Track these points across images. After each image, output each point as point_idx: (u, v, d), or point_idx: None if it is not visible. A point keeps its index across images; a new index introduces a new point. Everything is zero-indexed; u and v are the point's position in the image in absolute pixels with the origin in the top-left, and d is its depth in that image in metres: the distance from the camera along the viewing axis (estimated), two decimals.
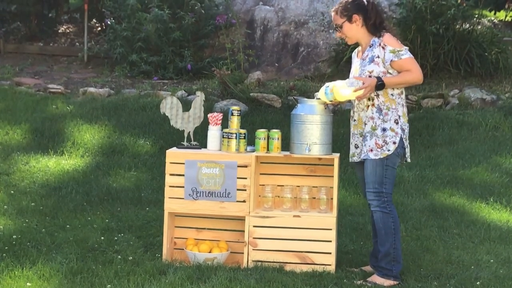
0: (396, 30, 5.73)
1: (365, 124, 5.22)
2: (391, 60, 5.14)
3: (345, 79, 5.27)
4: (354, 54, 5.45)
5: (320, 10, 12.03)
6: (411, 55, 5.18)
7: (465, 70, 10.78)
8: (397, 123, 5.17)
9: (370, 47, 5.21)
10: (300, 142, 5.41)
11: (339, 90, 5.19)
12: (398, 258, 5.21)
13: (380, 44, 5.17)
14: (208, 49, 11.97)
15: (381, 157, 5.14)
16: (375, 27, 5.23)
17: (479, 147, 8.81)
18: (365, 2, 5.24)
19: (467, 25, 11.08)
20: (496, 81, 10.87)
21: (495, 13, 13.17)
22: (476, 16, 11.35)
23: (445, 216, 6.77)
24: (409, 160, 5.33)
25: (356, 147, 5.33)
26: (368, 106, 5.21)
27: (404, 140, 5.21)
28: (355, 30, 5.26)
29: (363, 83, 5.09)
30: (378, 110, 5.18)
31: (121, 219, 6.52)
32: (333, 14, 5.33)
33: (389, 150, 5.14)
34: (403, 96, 5.26)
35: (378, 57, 5.16)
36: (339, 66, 11.12)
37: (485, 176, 7.96)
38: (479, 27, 11.41)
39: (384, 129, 5.16)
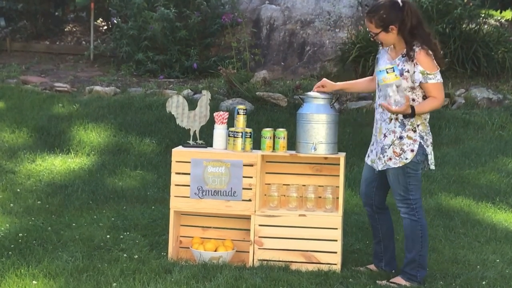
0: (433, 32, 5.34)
1: (385, 136, 5.13)
2: (420, 82, 5.05)
3: (351, 79, 5.19)
4: (383, 50, 5.26)
5: (326, 9, 12.02)
6: (439, 80, 5.05)
7: (472, 70, 10.76)
8: (414, 131, 5.08)
9: (403, 57, 5.08)
10: (306, 141, 5.40)
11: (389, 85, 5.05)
12: (423, 264, 5.18)
13: (413, 60, 5.03)
14: (214, 48, 11.98)
15: (400, 165, 5.08)
16: (412, 34, 5.04)
17: (485, 147, 8.80)
18: (401, 7, 5.03)
19: (474, 25, 11.07)
20: (502, 80, 10.86)
21: (501, 13, 13.14)
22: (483, 15, 11.33)
23: (451, 216, 6.76)
24: (432, 167, 5.18)
25: (371, 150, 5.31)
26: (391, 119, 5.12)
27: (425, 147, 5.10)
28: (391, 38, 5.10)
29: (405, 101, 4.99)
30: (402, 125, 5.09)
31: (127, 217, 6.52)
32: (367, 21, 5.14)
33: (406, 159, 5.06)
34: None
35: (408, 71, 5.04)
36: (345, 65, 11.11)
37: (491, 176, 7.94)
38: (486, 26, 11.39)
39: (401, 137, 5.08)
